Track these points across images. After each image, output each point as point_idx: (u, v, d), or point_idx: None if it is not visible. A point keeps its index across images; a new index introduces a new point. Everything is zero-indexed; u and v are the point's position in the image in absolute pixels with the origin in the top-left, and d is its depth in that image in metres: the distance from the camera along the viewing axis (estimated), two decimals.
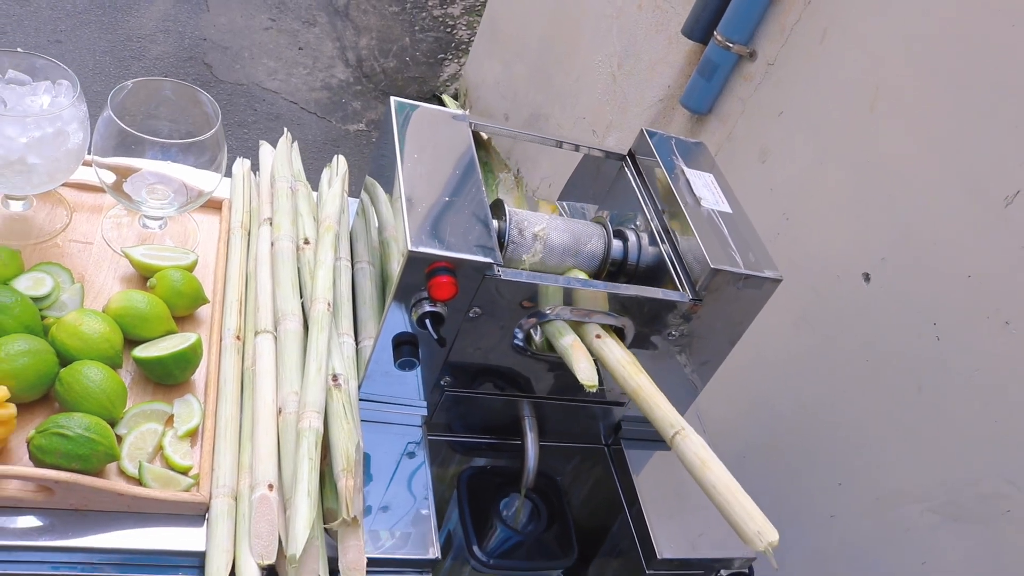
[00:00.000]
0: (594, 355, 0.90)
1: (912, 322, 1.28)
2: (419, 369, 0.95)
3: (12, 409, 0.77)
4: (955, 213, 1.22)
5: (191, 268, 1.00)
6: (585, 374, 0.85)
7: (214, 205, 1.12)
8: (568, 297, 0.91)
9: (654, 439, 1.11)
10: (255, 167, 1.18)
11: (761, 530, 0.73)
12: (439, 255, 0.84)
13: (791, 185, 1.50)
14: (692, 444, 0.81)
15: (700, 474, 0.79)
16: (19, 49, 0.93)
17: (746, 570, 1.13)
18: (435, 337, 0.87)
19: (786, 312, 1.48)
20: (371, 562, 0.84)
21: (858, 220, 1.37)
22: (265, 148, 1.17)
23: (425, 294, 0.86)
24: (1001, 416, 1.16)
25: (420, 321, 0.87)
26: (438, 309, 0.86)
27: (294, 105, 2.62)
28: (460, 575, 1.10)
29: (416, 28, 3.07)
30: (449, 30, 3.14)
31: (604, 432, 1.11)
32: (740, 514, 0.75)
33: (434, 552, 0.88)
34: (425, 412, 0.99)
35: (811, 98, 1.48)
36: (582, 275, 1.00)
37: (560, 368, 0.99)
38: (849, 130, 1.39)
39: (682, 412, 1.03)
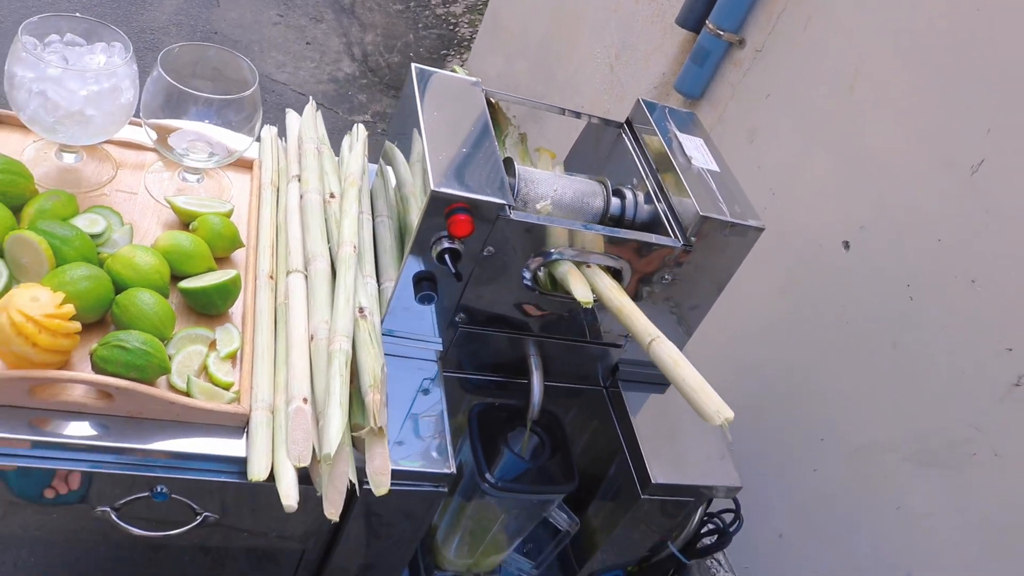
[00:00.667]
0: (588, 281, 1.00)
1: (887, 284, 1.38)
2: (435, 306, 1.05)
3: (77, 325, 0.86)
4: (926, 182, 1.33)
5: (228, 215, 1.09)
6: (581, 293, 0.95)
7: (245, 164, 1.22)
8: (572, 241, 1.01)
9: (649, 381, 1.21)
10: (282, 135, 1.27)
11: (719, 409, 0.86)
12: (458, 195, 0.93)
13: (778, 163, 1.60)
14: (666, 348, 0.92)
15: (672, 371, 0.90)
16: (76, 14, 1.03)
17: (732, 502, 1.22)
18: (453, 271, 0.97)
19: (772, 281, 1.58)
20: (393, 474, 0.93)
21: (839, 193, 1.47)
22: (291, 115, 1.27)
23: (444, 232, 0.96)
24: (967, 367, 1.26)
25: (440, 257, 0.96)
26: (456, 245, 0.96)
27: (302, 96, 2.72)
28: (467, 508, 1.20)
29: (420, 25, 3.18)
30: (451, 27, 3.25)
31: (603, 374, 1.20)
32: (703, 398, 0.87)
33: (450, 467, 0.98)
34: (440, 347, 1.09)
35: (796, 82, 1.58)
36: None
37: (563, 308, 1.09)
38: (830, 111, 1.50)
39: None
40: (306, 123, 1.23)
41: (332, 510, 0.86)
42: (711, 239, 1.05)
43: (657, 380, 1.22)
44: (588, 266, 1.03)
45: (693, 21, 1.71)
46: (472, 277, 1.02)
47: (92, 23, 1.03)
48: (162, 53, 1.03)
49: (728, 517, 1.24)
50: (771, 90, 1.62)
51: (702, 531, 1.24)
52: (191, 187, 1.15)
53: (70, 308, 0.85)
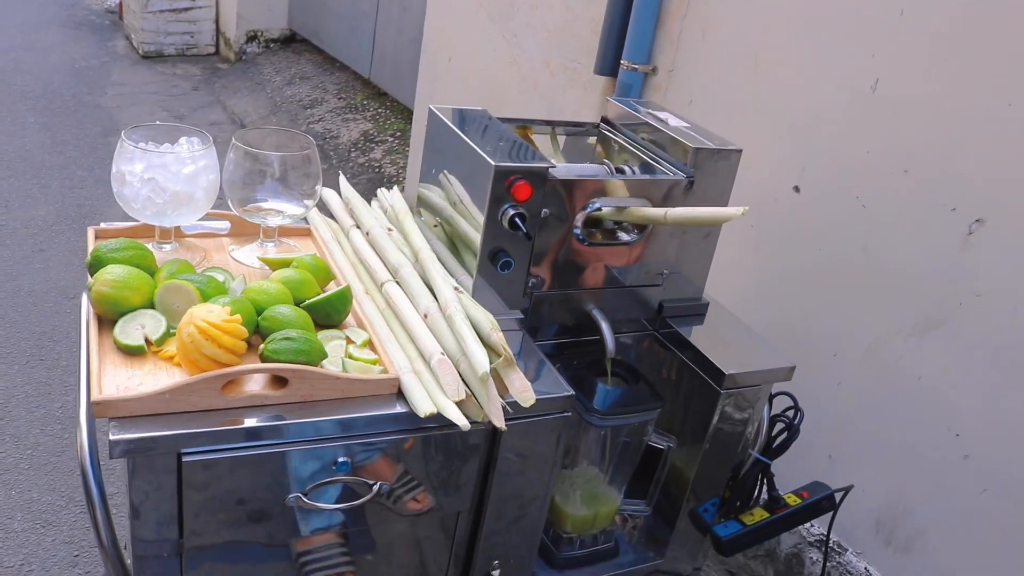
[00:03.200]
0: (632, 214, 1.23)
1: (842, 202, 1.65)
2: (511, 280, 1.23)
3: (245, 330, 1.01)
4: (836, 105, 1.63)
5: (315, 256, 1.27)
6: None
7: (304, 232, 1.40)
8: (605, 191, 1.24)
9: (691, 313, 1.41)
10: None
11: (734, 211, 1.11)
12: (514, 166, 1.15)
13: None
14: (679, 210, 1.19)
15: (693, 215, 1.18)
16: (157, 122, 1.23)
17: (790, 400, 1.40)
18: (523, 231, 1.17)
19: (746, 237, 1.84)
20: (522, 408, 1.08)
21: (776, 148, 1.76)
22: (329, 191, 1.48)
23: (509, 203, 1.17)
24: (927, 238, 1.52)
25: (511, 223, 1.17)
26: (521, 210, 1.17)
27: None
28: (578, 459, 1.34)
29: (349, 175, 3.46)
30: (377, 170, 3.55)
31: (651, 318, 1.40)
32: (721, 213, 1.13)
33: (568, 391, 1.14)
34: (521, 315, 1.27)
35: (708, 80, 1.90)
36: None
37: (611, 257, 1.29)
38: (744, 86, 1.81)
39: (700, 285, 1.37)
40: (347, 189, 1.45)
41: (499, 420, 1.02)
42: (706, 167, 1.29)
43: (696, 311, 1.42)
44: (625, 208, 1.25)
45: (609, 66, 2.04)
46: (536, 243, 1.22)
47: (170, 126, 1.23)
48: (235, 135, 1.23)
49: (791, 413, 1.41)
50: (691, 96, 1.94)
51: (773, 432, 1.41)
52: (269, 252, 1.32)
53: (238, 316, 1.01)
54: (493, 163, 1.15)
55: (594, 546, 1.40)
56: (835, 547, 1.76)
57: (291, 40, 5.03)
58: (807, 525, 1.83)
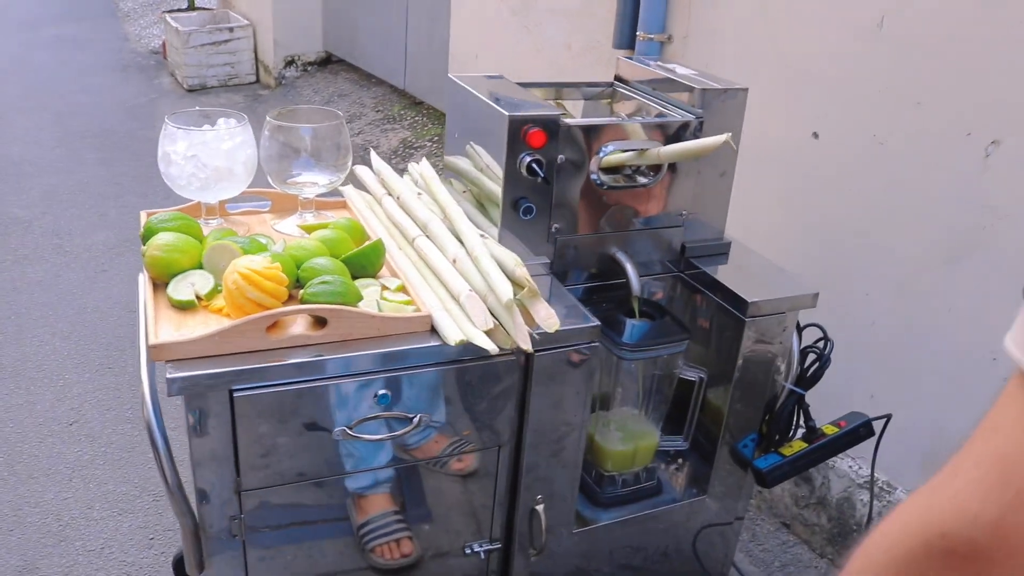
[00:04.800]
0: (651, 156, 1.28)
1: (860, 142, 1.67)
2: (535, 226, 1.29)
3: (285, 277, 1.09)
4: (845, 47, 1.66)
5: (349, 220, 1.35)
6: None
7: (341, 205, 1.49)
8: (618, 134, 1.30)
9: (715, 253, 1.45)
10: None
11: (719, 139, 1.16)
12: (528, 115, 1.22)
13: None
14: (672, 145, 1.25)
15: (683, 147, 1.21)
16: (196, 108, 1.33)
17: (819, 331, 1.43)
18: (541, 176, 1.23)
19: (772, 187, 1.87)
20: (550, 337, 1.14)
21: (792, 98, 1.80)
22: (361, 168, 1.56)
23: (525, 150, 1.23)
24: (948, 173, 1.54)
25: (529, 168, 1.23)
26: (538, 156, 1.23)
27: None
28: (613, 396, 1.39)
29: None
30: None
31: (674, 260, 1.44)
32: (708, 143, 1.18)
33: (594, 321, 1.19)
34: (547, 260, 1.33)
35: (721, 40, 1.95)
36: None
37: (630, 199, 1.35)
38: (756, 42, 1.85)
39: (720, 226, 1.42)
40: (378, 163, 1.53)
41: (525, 343, 1.08)
42: (714, 107, 1.34)
43: (719, 251, 1.46)
44: (645, 151, 1.30)
45: (627, 39, 2.10)
46: (556, 188, 1.28)
47: (208, 110, 1.33)
48: (268, 115, 1.32)
49: (821, 344, 1.44)
50: (707, 60, 1.98)
51: (806, 364, 1.44)
52: (308, 221, 1.41)
53: (277, 264, 1.09)
54: (507, 113, 1.21)
55: (636, 484, 1.45)
56: (885, 487, 1.77)
57: (327, 61, 5.20)
58: (857, 467, 1.84)
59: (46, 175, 3.89)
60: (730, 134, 1.15)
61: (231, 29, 5.13)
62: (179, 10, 5.65)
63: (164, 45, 5.56)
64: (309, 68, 5.17)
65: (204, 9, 5.72)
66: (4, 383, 2.40)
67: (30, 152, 4.14)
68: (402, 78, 4.46)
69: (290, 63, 5.13)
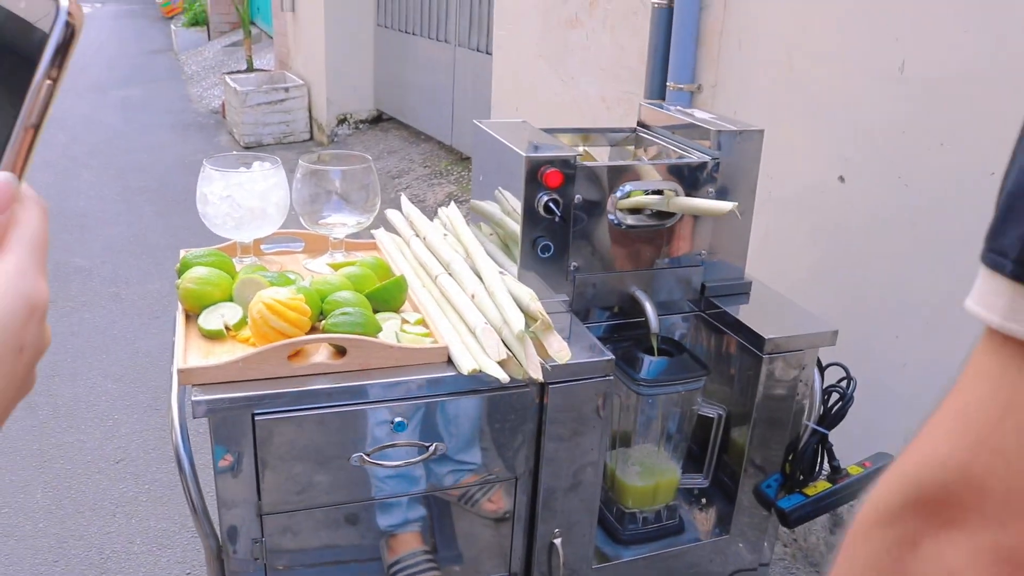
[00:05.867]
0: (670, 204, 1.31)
1: (885, 184, 1.68)
2: (554, 265, 1.33)
3: (308, 309, 1.15)
4: (869, 92, 1.68)
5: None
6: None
7: (371, 247, 1.55)
8: (634, 178, 1.33)
9: (735, 292, 1.47)
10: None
11: (727, 206, 1.21)
12: (544, 157, 1.27)
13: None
14: (681, 199, 1.24)
15: (691, 204, 1.21)
16: (233, 152, 1.41)
17: (842, 370, 1.43)
18: (558, 215, 1.27)
19: (800, 230, 1.88)
20: (564, 370, 1.17)
21: (817, 143, 1.82)
22: (391, 211, 1.62)
23: (543, 190, 1.28)
24: (972, 211, 1.54)
25: (546, 208, 1.27)
26: (555, 195, 1.28)
27: None
28: (632, 433, 1.40)
29: None
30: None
31: (694, 299, 1.46)
32: (715, 206, 1.22)
33: (609, 356, 1.22)
34: (566, 298, 1.36)
35: (749, 88, 1.98)
36: None
37: (648, 238, 1.38)
38: (782, 89, 1.88)
39: (740, 266, 1.43)
40: (408, 206, 1.59)
41: (536, 373, 1.11)
42: (730, 148, 1.37)
43: (740, 291, 1.47)
44: (662, 197, 1.34)
45: (657, 90, 2.15)
46: (573, 227, 1.32)
47: (244, 155, 1.41)
48: (301, 158, 1.40)
49: (844, 383, 1.43)
50: (735, 107, 2.02)
51: (829, 403, 1.44)
52: (337, 260, 1.47)
53: (301, 295, 1.15)
54: (524, 154, 1.26)
55: (658, 522, 1.44)
56: None
57: (378, 120, 5.38)
58: None
59: (107, 227, 4.08)
60: (736, 204, 1.19)
61: (287, 89, 5.35)
62: (239, 72, 5.92)
63: (223, 105, 5.82)
64: (361, 126, 5.35)
65: (262, 71, 5.99)
66: (58, 422, 2.50)
67: (93, 206, 4.35)
68: (449, 134, 4.59)
69: (342, 121, 5.31)
